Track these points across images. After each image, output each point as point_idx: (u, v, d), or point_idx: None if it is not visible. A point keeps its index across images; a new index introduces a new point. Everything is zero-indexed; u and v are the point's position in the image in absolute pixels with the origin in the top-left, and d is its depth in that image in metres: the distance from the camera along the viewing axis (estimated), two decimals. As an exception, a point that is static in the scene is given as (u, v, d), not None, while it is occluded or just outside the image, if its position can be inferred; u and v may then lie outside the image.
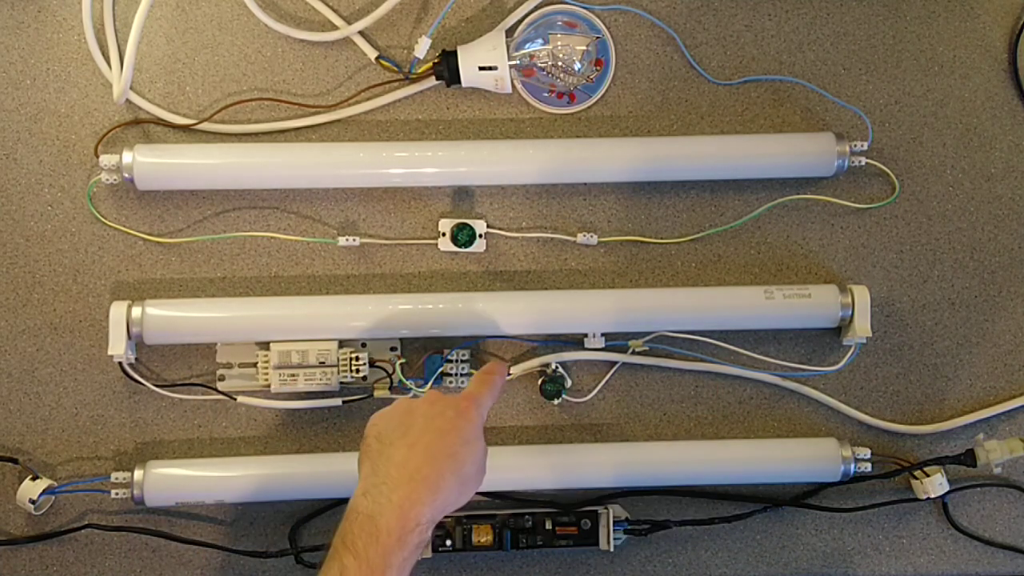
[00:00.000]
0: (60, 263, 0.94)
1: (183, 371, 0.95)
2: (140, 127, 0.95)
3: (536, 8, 0.96)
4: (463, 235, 0.96)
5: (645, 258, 0.97)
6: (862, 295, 0.94)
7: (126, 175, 0.91)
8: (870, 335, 0.93)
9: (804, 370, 0.96)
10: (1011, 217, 0.99)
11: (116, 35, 0.94)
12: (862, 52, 0.98)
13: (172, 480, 0.92)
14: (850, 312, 0.94)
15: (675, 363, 0.97)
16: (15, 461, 0.93)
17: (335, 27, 0.95)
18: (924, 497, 0.95)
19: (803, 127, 0.98)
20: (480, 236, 0.96)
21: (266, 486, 0.92)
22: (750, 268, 0.98)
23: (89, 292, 0.94)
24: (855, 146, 0.95)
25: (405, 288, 0.96)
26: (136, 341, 0.91)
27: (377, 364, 0.93)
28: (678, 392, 0.97)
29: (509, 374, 0.95)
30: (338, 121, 0.96)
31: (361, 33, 0.96)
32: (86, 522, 0.93)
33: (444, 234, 0.96)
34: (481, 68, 0.92)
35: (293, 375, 0.92)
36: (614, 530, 0.92)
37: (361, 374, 0.92)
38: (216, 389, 0.93)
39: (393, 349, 0.95)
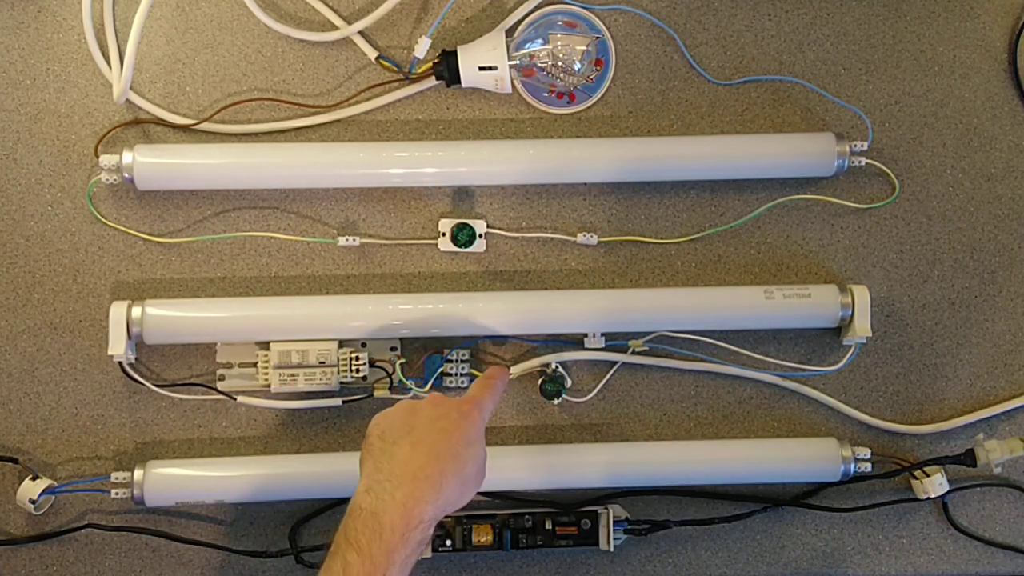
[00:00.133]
0: (60, 263, 0.94)
1: (183, 371, 0.95)
2: (140, 127, 0.95)
3: (536, 8, 0.96)
4: (463, 235, 0.96)
5: (645, 258, 0.98)
6: (862, 295, 0.94)
7: (126, 175, 0.91)
8: (870, 335, 0.93)
9: (804, 370, 0.96)
10: (1011, 217, 0.99)
11: (116, 35, 0.94)
12: (862, 52, 0.98)
13: (172, 480, 0.92)
14: (850, 312, 0.94)
15: (675, 363, 0.97)
16: (15, 461, 0.93)
17: (335, 27, 0.95)
18: (924, 497, 0.95)
19: (803, 127, 0.98)
20: (480, 236, 0.96)
21: (266, 486, 0.92)
22: (750, 268, 0.98)
23: (89, 292, 0.94)
24: (855, 146, 0.95)
25: (405, 288, 0.96)
26: (136, 341, 0.91)
27: (377, 364, 0.93)
28: (678, 392, 0.97)
29: (509, 374, 0.95)
30: (338, 121, 0.96)
31: (361, 33, 0.96)
32: (86, 522, 0.93)
33: (444, 234, 0.96)
34: (481, 68, 0.92)
35: (293, 375, 0.92)
36: (614, 530, 0.92)
37: (361, 374, 0.92)
38: (216, 389, 0.93)
39: (393, 349, 0.95)
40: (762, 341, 0.97)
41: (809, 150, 0.95)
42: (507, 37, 0.94)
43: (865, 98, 0.98)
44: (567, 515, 0.93)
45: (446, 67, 0.93)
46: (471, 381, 0.95)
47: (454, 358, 0.95)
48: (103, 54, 0.94)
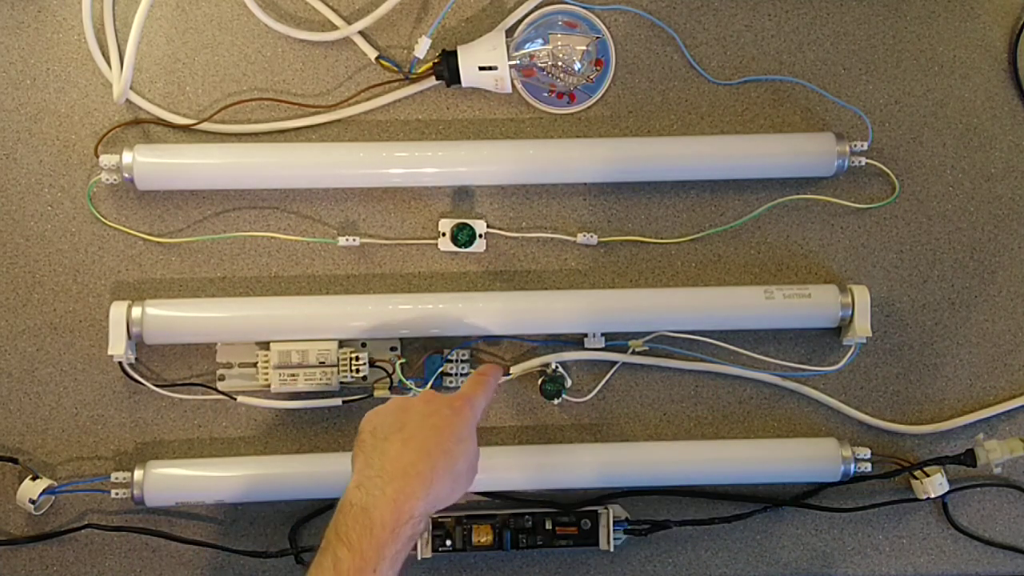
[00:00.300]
0: (60, 263, 0.94)
1: (183, 371, 0.95)
2: (140, 127, 0.95)
3: (536, 8, 0.96)
4: (463, 235, 0.96)
5: (645, 258, 0.97)
6: (862, 295, 0.94)
7: (126, 175, 0.91)
8: (870, 335, 0.93)
9: (804, 370, 0.96)
10: (1011, 217, 0.99)
11: (116, 35, 0.94)
12: (862, 52, 0.98)
13: (172, 480, 0.92)
14: (850, 312, 0.94)
15: (675, 363, 0.97)
16: (15, 461, 0.93)
17: (335, 27, 0.95)
18: (924, 497, 0.95)
19: (803, 127, 0.98)
20: (480, 236, 0.96)
21: (266, 486, 0.92)
22: (750, 268, 0.98)
23: (89, 292, 0.94)
24: (855, 146, 0.95)
25: (405, 288, 0.96)
26: (136, 341, 0.91)
27: (377, 364, 0.93)
28: (678, 392, 0.97)
29: (509, 374, 0.95)
30: (338, 121, 0.96)
31: (361, 33, 0.96)
32: (86, 522, 0.93)
33: (444, 234, 0.96)
34: (481, 68, 0.92)
35: (293, 375, 0.92)
36: (614, 530, 0.92)
37: (361, 374, 0.92)
38: (216, 389, 0.93)
39: (393, 349, 0.95)
40: (762, 341, 0.97)
41: (809, 150, 0.95)
42: (507, 37, 0.94)
43: (865, 98, 0.98)
44: (567, 515, 0.93)
45: (446, 67, 0.93)
46: (471, 381, 0.95)
47: (454, 358, 0.95)
48: (103, 54, 0.94)
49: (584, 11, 0.97)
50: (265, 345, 0.93)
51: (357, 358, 0.92)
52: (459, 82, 0.93)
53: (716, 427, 0.97)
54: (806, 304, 0.94)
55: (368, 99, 0.96)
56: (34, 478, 0.91)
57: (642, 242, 0.97)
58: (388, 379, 0.93)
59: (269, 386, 0.92)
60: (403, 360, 0.94)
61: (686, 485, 0.96)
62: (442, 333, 0.94)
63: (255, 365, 0.93)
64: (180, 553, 0.94)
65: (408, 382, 0.93)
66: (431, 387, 0.93)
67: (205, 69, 0.96)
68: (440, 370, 0.94)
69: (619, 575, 0.97)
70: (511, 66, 0.93)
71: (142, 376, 0.93)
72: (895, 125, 0.98)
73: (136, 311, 0.90)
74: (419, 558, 0.92)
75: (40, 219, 0.94)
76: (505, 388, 0.96)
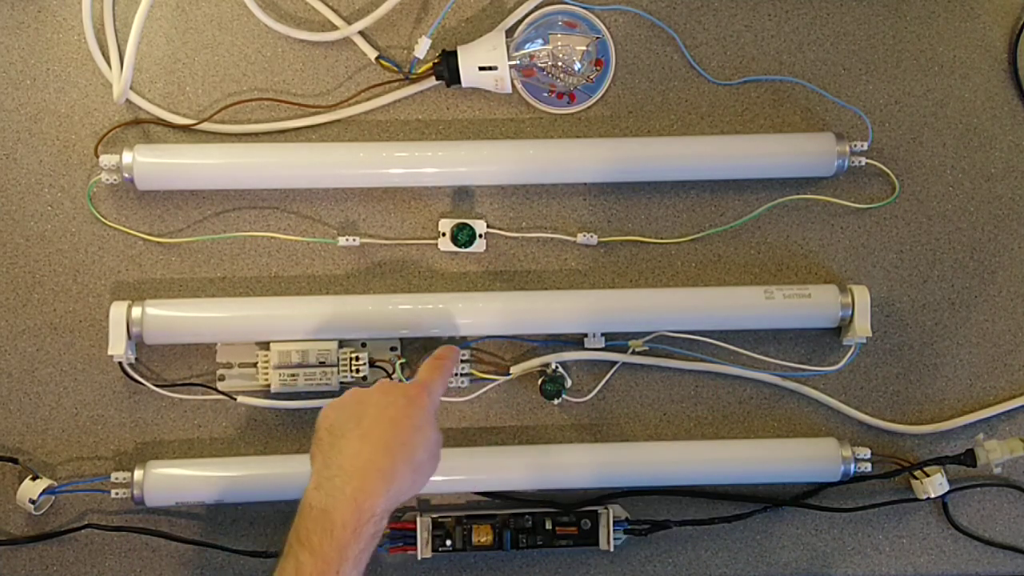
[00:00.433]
0: (60, 263, 0.94)
1: (183, 371, 0.95)
2: (140, 127, 0.95)
3: (536, 8, 0.96)
4: (463, 235, 0.96)
5: (645, 258, 0.97)
6: (862, 295, 0.94)
7: (126, 175, 0.91)
8: (870, 335, 0.93)
9: (804, 370, 0.96)
10: (1011, 217, 0.99)
11: (116, 35, 0.94)
12: (862, 52, 0.98)
13: (172, 480, 0.92)
14: (850, 312, 0.94)
15: (675, 363, 0.96)
16: (15, 461, 0.93)
17: (335, 27, 0.95)
18: (924, 497, 0.95)
19: (803, 127, 0.98)
20: (480, 236, 0.96)
21: (266, 486, 0.92)
22: (750, 268, 0.98)
23: (89, 292, 0.94)
24: (855, 146, 0.95)
25: (405, 288, 0.96)
26: (136, 341, 0.91)
27: (377, 364, 0.93)
28: (678, 392, 0.97)
29: (509, 374, 0.94)
30: (338, 121, 0.96)
31: (361, 33, 0.96)
32: (86, 522, 0.93)
33: (444, 234, 0.96)
34: (481, 68, 0.92)
35: (293, 375, 0.92)
36: (614, 530, 0.92)
37: (361, 374, 0.92)
38: (216, 389, 0.93)
39: (393, 349, 0.95)
40: (762, 341, 0.97)
41: (809, 150, 0.95)
42: (507, 37, 0.94)
43: (865, 98, 0.98)
44: (567, 515, 0.93)
45: (446, 67, 0.93)
46: (471, 381, 0.95)
47: (454, 358, 0.95)
48: (103, 54, 0.94)
49: (584, 11, 0.97)
50: (265, 345, 0.93)
51: (357, 358, 0.92)
52: (459, 82, 0.93)
53: (716, 427, 0.97)
54: (806, 304, 0.94)
55: (368, 99, 0.96)
56: (34, 478, 0.91)
57: (642, 242, 0.97)
58: (388, 379, 0.93)
59: (269, 386, 0.92)
60: (403, 360, 0.93)
61: (686, 485, 0.96)
62: (442, 333, 0.94)
63: (255, 365, 0.93)
64: (180, 553, 0.94)
65: (408, 383, 0.92)
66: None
67: (205, 69, 0.96)
68: (440, 370, 0.94)
69: (619, 575, 0.97)
70: (511, 66, 0.93)
71: (142, 376, 0.93)
72: (895, 125, 0.98)
73: (136, 311, 0.90)
74: (419, 558, 0.92)
75: (40, 219, 0.94)
76: (505, 388, 0.96)
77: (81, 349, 0.94)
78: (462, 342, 0.94)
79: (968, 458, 0.95)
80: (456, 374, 0.94)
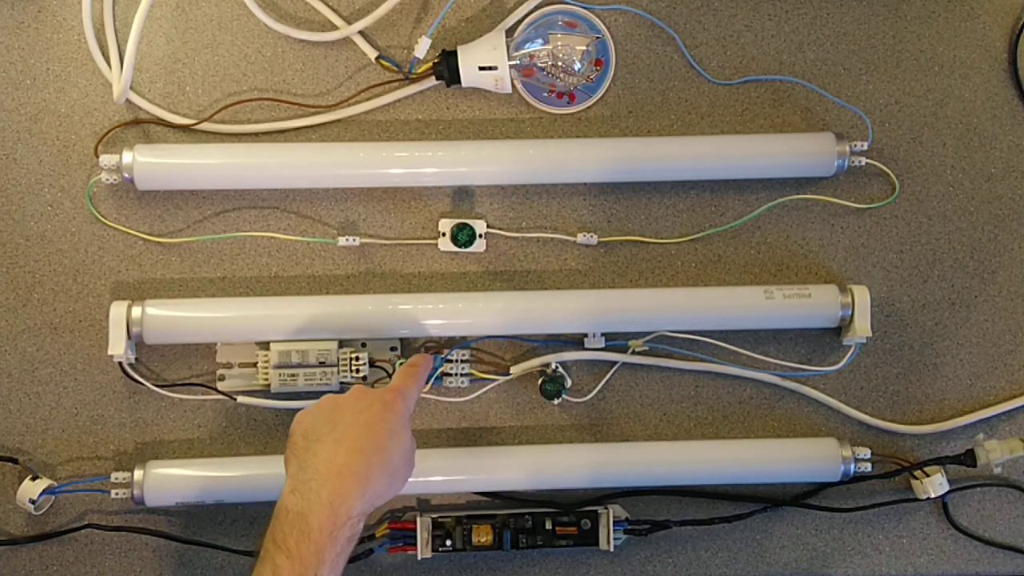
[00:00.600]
0: (60, 263, 0.94)
1: (183, 371, 0.95)
2: (140, 127, 0.95)
3: (536, 8, 0.96)
4: (463, 235, 0.96)
5: (645, 258, 0.97)
6: (862, 295, 0.94)
7: (126, 175, 0.91)
8: (870, 335, 0.93)
9: (804, 370, 0.96)
10: (1011, 217, 0.99)
11: (116, 35, 0.94)
12: (862, 52, 0.98)
13: (172, 480, 0.92)
14: (850, 312, 0.93)
15: (675, 363, 0.97)
16: (15, 461, 0.93)
17: (335, 27, 0.95)
18: (924, 497, 0.95)
19: (803, 127, 0.98)
20: (480, 236, 0.96)
21: (266, 486, 0.92)
22: (750, 268, 0.98)
23: (89, 292, 0.94)
24: (855, 146, 0.95)
25: (405, 288, 0.96)
26: (136, 341, 0.91)
27: (377, 364, 0.93)
28: (678, 392, 0.97)
29: (509, 374, 0.94)
30: (338, 121, 0.96)
31: (361, 33, 0.96)
32: (86, 522, 0.93)
33: (444, 234, 0.96)
34: (481, 68, 0.92)
35: (293, 375, 0.92)
36: (614, 530, 0.92)
37: (361, 374, 0.92)
38: (216, 389, 0.93)
39: (393, 349, 0.95)
40: (762, 341, 0.97)
41: (809, 150, 0.95)
42: (507, 37, 0.94)
43: (865, 98, 0.98)
44: (567, 515, 0.93)
45: (446, 67, 0.93)
46: (471, 381, 0.95)
47: (454, 358, 0.95)
48: (103, 54, 0.94)
49: (584, 11, 0.97)
50: (265, 345, 0.93)
51: (357, 358, 0.92)
52: (459, 82, 0.93)
53: (716, 427, 0.97)
54: (806, 304, 0.94)
55: (368, 99, 0.96)
56: (34, 478, 0.91)
57: (642, 242, 0.97)
58: (388, 379, 0.93)
59: (269, 386, 0.92)
60: (403, 360, 0.93)
61: (686, 485, 0.96)
62: (442, 333, 0.94)
63: (255, 365, 0.93)
64: (180, 553, 0.94)
65: (383, 388, 0.92)
66: (431, 387, 0.93)
67: (205, 69, 0.96)
68: (440, 370, 0.94)
69: (619, 575, 0.97)
70: (511, 66, 0.93)
71: (142, 376, 0.93)
72: (895, 125, 0.98)
73: (136, 311, 0.90)
74: (419, 558, 0.92)
75: (40, 219, 0.94)
76: (505, 388, 0.96)
77: (81, 349, 0.94)
78: (462, 342, 0.94)
79: (968, 458, 0.95)
80: (455, 374, 0.94)
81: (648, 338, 0.94)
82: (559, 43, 0.94)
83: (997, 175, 0.99)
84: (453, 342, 0.95)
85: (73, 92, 0.95)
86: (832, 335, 0.97)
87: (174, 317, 0.91)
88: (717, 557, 0.97)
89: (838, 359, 0.96)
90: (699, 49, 0.98)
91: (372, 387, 0.88)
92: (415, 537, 0.91)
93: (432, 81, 0.95)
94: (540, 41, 0.94)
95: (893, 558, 0.98)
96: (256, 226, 0.95)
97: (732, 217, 0.97)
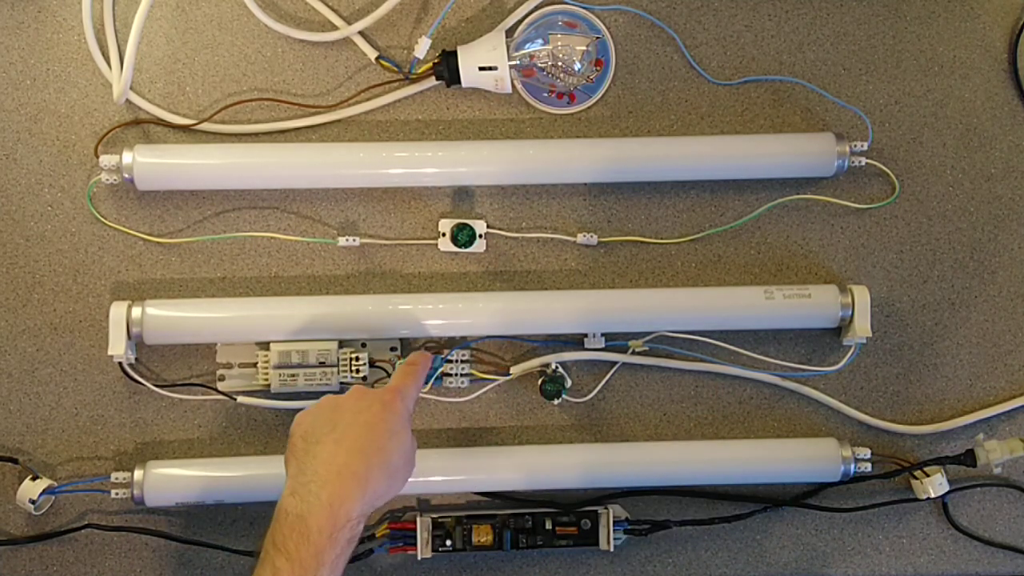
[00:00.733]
0: (60, 263, 0.94)
1: (183, 371, 0.95)
2: (140, 127, 0.95)
3: (536, 8, 0.96)
4: (463, 235, 0.96)
5: (645, 258, 0.97)
6: (862, 295, 0.94)
7: (126, 175, 0.91)
8: (870, 335, 0.93)
9: (804, 370, 0.96)
10: (1011, 217, 0.99)
11: (116, 35, 0.94)
12: (862, 52, 0.98)
13: (172, 480, 0.92)
14: (850, 312, 0.93)
15: (675, 363, 0.97)
16: (15, 461, 0.93)
17: (335, 27, 0.95)
18: (924, 497, 0.95)
19: (803, 127, 0.98)
20: (480, 236, 0.96)
21: (266, 486, 0.92)
22: (750, 268, 0.98)
23: (89, 292, 0.94)
24: (855, 146, 0.95)
25: (405, 288, 0.96)
26: (136, 341, 0.91)
27: (377, 364, 0.93)
28: (678, 392, 0.97)
29: (509, 374, 0.94)
30: (338, 121, 0.96)
31: (361, 33, 0.96)
32: (86, 522, 0.93)
33: (444, 234, 0.96)
34: (481, 68, 0.92)
35: (293, 375, 0.92)
36: (614, 530, 0.92)
37: (361, 374, 0.92)
38: (216, 389, 0.93)
39: (393, 349, 0.95)
40: (762, 341, 0.97)
41: (809, 150, 0.95)
42: (507, 37, 0.94)
43: (865, 98, 0.98)
44: (567, 515, 0.93)
45: (446, 67, 0.93)
46: (471, 381, 0.95)
47: (454, 358, 0.95)
48: (103, 54, 0.94)
49: (584, 11, 0.97)
50: (265, 345, 0.93)
51: (357, 358, 0.92)
52: (459, 82, 0.93)
53: (716, 427, 0.97)
54: (806, 304, 0.94)
55: (368, 99, 0.96)
56: (34, 478, 0.91)
57: (642, 242, 0.97)
58: (388, 379, 0.93)
59: (269, 386, 0.92)
60: (403, 360, 0.93)
61: (686, 485, 0.96)
62: (442, 333, 0.94)
63: (255, 365, 0.93)
64: (180, 553, 0.94)
65: (382, 388, 0.92)
66: (431, 387, 0.93)
67: (205, 69, 0.96)
68: (440, 370, 0.94)
69: (619, 575, 0.97)
70: (511, 66, 0.93)
71: (142, 376, 0.93)
72: (895, 125, 0.98)
73: (136, 311, 0.90)
74: (419, 558, 0.92)
75: (40, 219, 0.94)
76: (505, 388, 0.96)
77: (81, 349, 0.94)
78: (462, 342, 0.94)
79: (968, 458, 0.95)
80: (455, 374, 0.94)
81: (648, 338, 0.94)
82: (559, 43, 0.94)
83: (997, 175, 0.99)
84: (453, 342, 0.95)
85: (73, 92, 0.95)
86: (832, 335, 0.97)
87: (174, 317, 0.91)
88: (717, 557, 0.97)
89: (838, 359, 0.96)
90: (699, 49, 0.98)
91: (372, 387, 0.88)
92: (415, 537, 0.91)
93: (432, 81, 0.95)
94: (540, 41, 0.94)
95: (893, 558, 0.98)
96: (256, 226, 0.95)
97: (732, 217, 0.97)
